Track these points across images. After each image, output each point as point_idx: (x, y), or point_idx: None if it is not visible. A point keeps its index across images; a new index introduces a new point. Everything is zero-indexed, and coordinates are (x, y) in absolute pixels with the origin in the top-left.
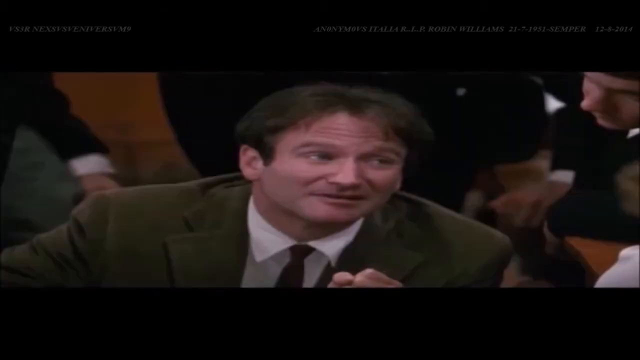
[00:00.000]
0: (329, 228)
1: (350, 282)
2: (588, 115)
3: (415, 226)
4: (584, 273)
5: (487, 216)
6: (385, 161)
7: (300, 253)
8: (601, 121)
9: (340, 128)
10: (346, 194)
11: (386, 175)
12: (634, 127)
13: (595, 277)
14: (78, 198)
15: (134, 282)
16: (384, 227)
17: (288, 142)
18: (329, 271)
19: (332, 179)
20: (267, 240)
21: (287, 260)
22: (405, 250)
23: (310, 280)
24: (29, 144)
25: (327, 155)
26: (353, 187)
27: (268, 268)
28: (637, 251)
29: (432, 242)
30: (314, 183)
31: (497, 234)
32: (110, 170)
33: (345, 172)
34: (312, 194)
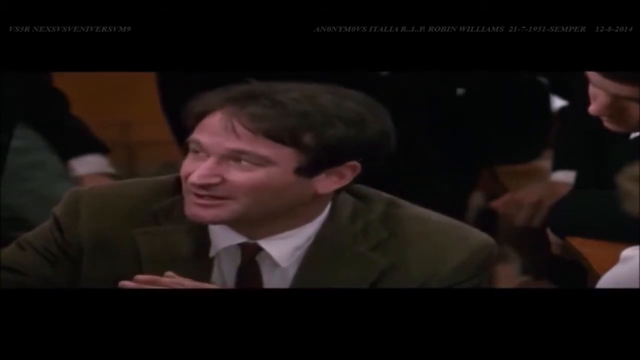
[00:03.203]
0: (268, 225)
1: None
2: (589, 116)
3: (383, 229)
4: (585, 273)
5: (488, 216)
6: (252, 162)
7: (249, 251)
8: (608, 124)
9: (213, 126)
10: (202, 193)
11: (250, 177)
12: None
13: (597, 277)
14: None
15: (106, 276)
16: (350, 229)
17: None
18: (282, 272)
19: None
20: (219, 235)
21: (239, 258)
22: (370, 254)
23: (269, 282)
24: (29, 143)
25: (199, 151)
26: (207, 185)
27: (223, 265)
28: (638, 252)
29: (398, 245)
30: (187, 180)
31: (475, 233)
32: (110, 170)
33: (197, 171)
34: (187, 191)
